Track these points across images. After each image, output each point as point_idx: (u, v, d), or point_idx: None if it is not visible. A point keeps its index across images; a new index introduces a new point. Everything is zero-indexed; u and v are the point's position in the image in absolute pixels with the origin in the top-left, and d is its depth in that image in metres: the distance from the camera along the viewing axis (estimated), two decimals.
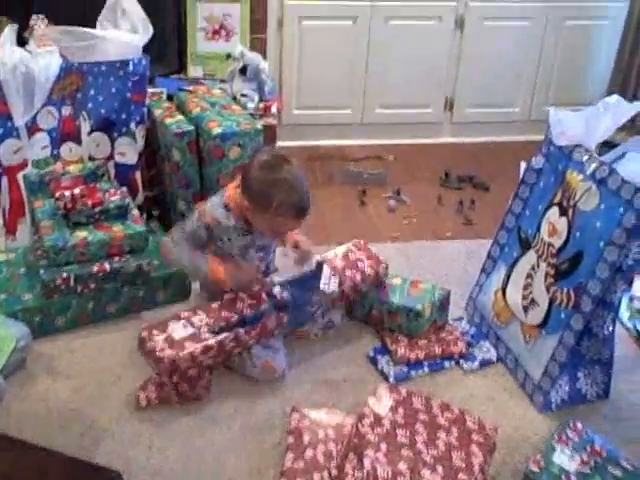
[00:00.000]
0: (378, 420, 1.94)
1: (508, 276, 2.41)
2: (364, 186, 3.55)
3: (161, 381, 2.12)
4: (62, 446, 1.94)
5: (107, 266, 2.46)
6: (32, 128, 2.74)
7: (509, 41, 3.96)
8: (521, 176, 2.49)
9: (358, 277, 2.37)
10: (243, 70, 3.30)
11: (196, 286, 2.65)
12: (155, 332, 2.10)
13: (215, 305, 2.16)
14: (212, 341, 2.06)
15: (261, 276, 2.25)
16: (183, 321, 2.10)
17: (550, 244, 2.24)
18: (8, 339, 2.06)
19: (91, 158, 2.84)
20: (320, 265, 2.33)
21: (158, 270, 2.58)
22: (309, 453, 1.95)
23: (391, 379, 2.27)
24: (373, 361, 2.36)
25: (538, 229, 2.31)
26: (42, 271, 2.42)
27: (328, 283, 2.32)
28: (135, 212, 2.64)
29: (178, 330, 2.08)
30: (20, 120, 2.69)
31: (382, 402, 2.00)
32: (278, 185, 2.02)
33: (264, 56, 3.51)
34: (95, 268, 2.44)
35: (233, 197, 2.17)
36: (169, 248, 2.22)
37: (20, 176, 2.75)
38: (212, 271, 2.16)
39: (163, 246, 2.26)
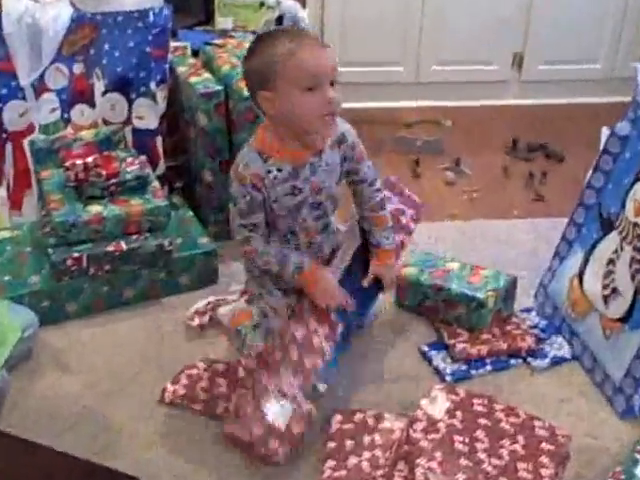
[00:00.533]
0: (432, 425, 1.94)
1: (586, 261, 2.39)
2: (418, 155, 3.54)
3: (196, 379, 2.17)
4: (72, 447, 1.97)
5: (124, 245, 2.49)
6: (39, 88, 2.78)
7: None
8: (602, 144, 2.46)
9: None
10: (279, 20, 3.30)
11: (225, 269, 2.69)
12: (248, 423, 1.95)
13: (293, 353, 2.04)
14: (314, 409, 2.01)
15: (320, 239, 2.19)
16: (273, 394, 1.97)
17: (637, 224, 2.21)
18: (13, 328, 2.10)
19: (106, 122, 2.86)
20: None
21: (181, 250, 2.61)
22: (352, 461, 1.96)
23: (448, 378, 2.27)
24: (427, 357, 2.36)
25: (622, 207, 2.28)
26: (51, 250, 2.46)
27: None
28: (156, 184, 2.66)
29: (276, 412, 1.95)
30: (26, 79, 2.73)
31: (437, 404, 2.00)
32: (274, 41, 1.92)
33: (303, 4, 3.52)
34: (110, 247, 2.47)
35: (263, 139, 2.04)
36: (246, 254, 2.15)
37: (26, 142, 2.79)
38: (308, 278, 2.12)
39: (248, 250, 2.14)
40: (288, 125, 1.98)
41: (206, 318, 2.46)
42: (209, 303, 2.51)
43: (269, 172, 2.01)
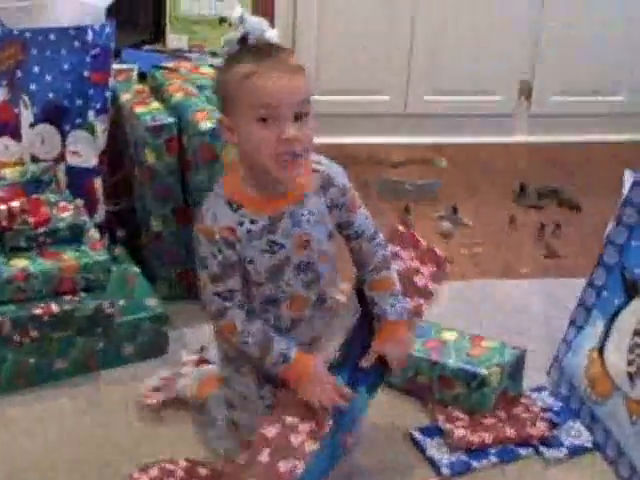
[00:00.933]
0: None
1: (607, 332, 2.42)
2: (407, 201, 3.59)
3: (167, 474, 2.17)
4: None
5: (55, 308, 2.50)
6: None
7: (612, 1, 4.00)
8: (625, 192, 2.50)
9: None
10: (243, 40, 3.34)
11: (176, 337, 2.70)
12: None
13: (264, 456, 1.97)
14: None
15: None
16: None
17: None
18: None
19: (35, 159, 2.90)
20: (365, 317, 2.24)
21: (124, 314, 2.62)
22: None
23: (445, 470, 2.28)
24: (419, 445, 2.37)
25: None
26: None
27: None
28: (93, 234, 2.68)
29: None
30: None
31: None
32: (240, 57, 1.96)
33: (271, 22, 3.57)
34: (38, 310, 2.48)
35: (233, 184, 2.02)
36: (223, 330, 2.10)
37: None
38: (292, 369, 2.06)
39: (224, 325, 2.09)
40: (251, 162, 1.97)
41: (164, 394, 2.45)
42: (162, 379, 2.50)
43: (241, 224, 1.98)
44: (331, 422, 2.02)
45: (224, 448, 2.24)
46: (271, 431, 1.99)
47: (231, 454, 2.16)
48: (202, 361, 2.54)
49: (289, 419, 2.03)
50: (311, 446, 1.98)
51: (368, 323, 2.17)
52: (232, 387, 2.18)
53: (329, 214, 2.06)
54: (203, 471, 2.20)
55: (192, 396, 2.42)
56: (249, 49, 1.99)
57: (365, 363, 2.13)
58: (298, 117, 1.88)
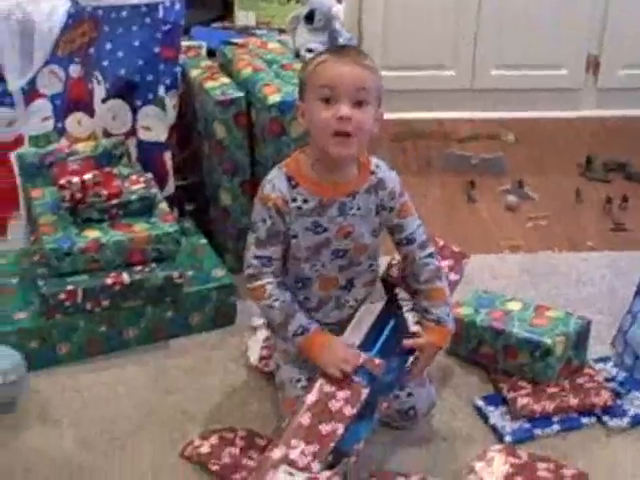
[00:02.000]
0: None
1: None
2: (473, 175, 3.58)
3: (227, 443, 2.21)
4: None
5: (126, 277, 2.54)
6: (30, 93, 2.85)
7: None
8: None
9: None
10: (309, 17, 3.35)
11: (243, 307, 2.73)
12: None
13: (305, 419, 2.04)
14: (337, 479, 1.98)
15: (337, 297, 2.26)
16: (283, 468, 1.97)
17: None
18: None
19: (107, 134, 2.93)
20: (393, 294, 2.33)
21: (193, 284, 2.66)
22: None
23: (507, 438, 2.29)
24: (482, 414, 2.38)
25: None
26: (41, 282, 2.51)
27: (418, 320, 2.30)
28: (164, 206, 2.72)
29: None
30: (15, 83, 2.79)
31: (494, 468, 2.02)
32: (321, 54, 2.12)
33: None
34: (110, 280, 2.52)
35: (296, 163, 2.16)
36: (254, 292, 2.20)
37: (13, 156, 2.86)
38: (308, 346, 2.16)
39: (256, 288, 2.20)
40: (314, 143, 2.11)
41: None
42: (267, 339, 2.54)
43: (294, 200, 2.12)
44: (367, 389, 2.07)
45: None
46: (311, 398, 2.05)
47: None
48: None
49: (327, 387, 2.08)
50: (349, 410, 2.03)
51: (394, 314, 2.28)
52: (276, 348, 2.32)
53: (376, 214, 2.20)
54: (261, 442, 2.22)
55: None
56: (332, 49, 2.20)
57: (406, 342, 2.21)
58: (357, 103, 2.03)
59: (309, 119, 2.08)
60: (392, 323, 2.27)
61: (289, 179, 2.13)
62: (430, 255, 2.25)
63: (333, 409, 2.04)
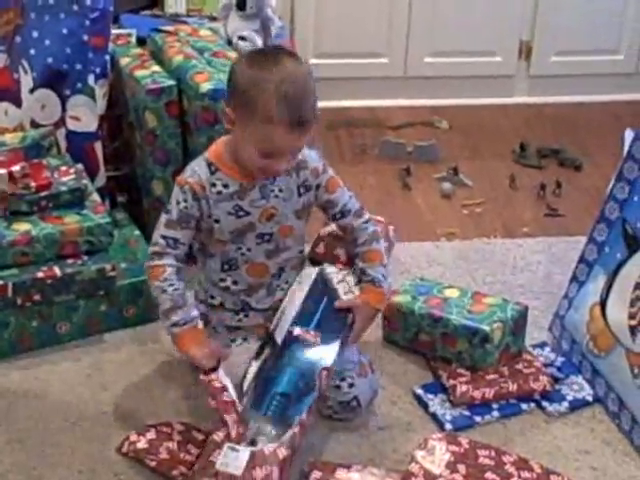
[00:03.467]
0: None
1: (609, 286, 2.42)
2: (408, 163, 3.59)
3: (165, 438, 2.18)
4: None
5: (57, 271, 2.50)
6: None
7: None
8: (626, 149, 2.50)
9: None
10: (241, 4, 3.33)
11: None
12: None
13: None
14: (284, 450, 1.98)
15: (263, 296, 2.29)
16: (227, 445, 1.96)
17: None
18: None
19: (35, 124, 2.88)
20: (321, 270, 2.35)
21: (127, 276, 2.63)
22: None
23: (447, 426, 2.30)
24: (422, 402, 2.39)
25: None
26: None
27: (349, 290, 2.33)
28: (95, 197, 2.69)
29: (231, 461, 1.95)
30: None
31: (435, 456, 2.01)
32: (268, 81, 2.01)
33: None
34: (41, 274, 2.48)
35: (218, 150, 2.20)
36: (152, 270, 2.20)
37: None
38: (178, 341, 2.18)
39: (154, 267, 2.21)
40: (236, 152, 2.14)
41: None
42: None
43: (214, 185, 2.16)
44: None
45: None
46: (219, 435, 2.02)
47: None
48: None
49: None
50: None
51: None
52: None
53: (299, 195, 2.23)
54: (199, 436, 2.21)
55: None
56: (278, 76, 2.02)
57: (338, 304, 2.26)
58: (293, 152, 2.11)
59: (238, 143, 2.11)
60: (325, 299, 2.28)
61: (209, 165, 2.17)
62: (367, 221, 2.31)
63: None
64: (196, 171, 2.16)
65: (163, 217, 2.19)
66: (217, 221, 2.17)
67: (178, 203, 2.16)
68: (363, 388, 2.30)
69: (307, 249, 2.40)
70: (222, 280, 2.26)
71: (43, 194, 2.58)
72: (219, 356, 2.13)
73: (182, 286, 2.18)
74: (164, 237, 2.18)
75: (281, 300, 2.29)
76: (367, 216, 2.32)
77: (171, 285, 2.16)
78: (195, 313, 2.18)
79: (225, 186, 2.16)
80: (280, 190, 2.19)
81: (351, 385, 2.26)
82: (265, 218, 2.19)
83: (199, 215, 2.17)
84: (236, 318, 2.31)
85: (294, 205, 2.22)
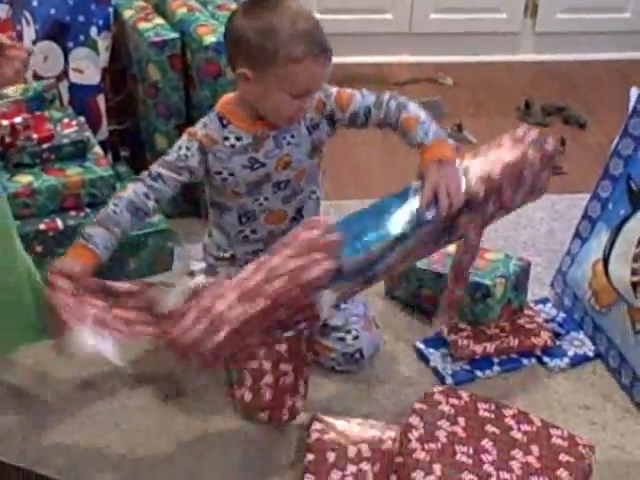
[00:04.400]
0: (430, 433, 1.97)
1: (612, 242, 2.42)
2: None
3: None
4: None
5: (60, 223, 2.51)
6: None
7: None
8: (632, 106, 2.49)
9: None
10: None
11: (181, 253, 2.73)
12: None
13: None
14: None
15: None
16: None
17: None
18: None
19: (37, 76, 2.87)
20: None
21: None
22: (335, 476, 1.98)
23: (448, 380, 2.31)
24: (423, 356, 2.40)
25: None
26: None
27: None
28: (97, 150, 2.68)
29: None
30: None
31: (436, 409, 2.03)
32: (277, 21, 1.99)
33: None
34: (43, 225, 2.49)
35: (228, 103, 2.16)
36: (126, 188, 2.12)
37: None
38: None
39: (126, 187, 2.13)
40: (254, 104, 2.10)
41: None
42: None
43: (226, 139, 2.12)
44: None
45: None
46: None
47: None
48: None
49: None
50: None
51: None
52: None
53: (309, 134, 2.18)
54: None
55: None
56: (286, 16, 2.00)
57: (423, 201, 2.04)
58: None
59: (263, 97, 2.06)
60: None
61: (220, 118, 2.13)
62: (388, 102, 2.16)
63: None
64: (207, 124, 2.14)
65: (161, 159, 2.14)
66: (232, 174, 2.14)
67: (180, 149, 2.12)
68: (367, 341, 2.31)
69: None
70: (240, 232, 2.24)
71: (45, 146, 2.57)
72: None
73: (123, 217, 2.05)
74: (150, 170, 2.11)
75: None
76: (386, 96, 2.17)
77: (115, 205, 2.05)
78: (102, 245, 2.02)
79: (238, 139, 2.12)
80: (292, 136, 2.15)
81: (355, 337, 2.28)
82: (281, 167, 2.16)
83: (198, 169, 2.13)
84: None
85: (306, 146, 2.18)
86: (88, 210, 2.55)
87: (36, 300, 2.08)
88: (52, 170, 2.56)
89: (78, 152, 2.62)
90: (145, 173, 2.12)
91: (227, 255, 2.29)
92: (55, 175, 2.54)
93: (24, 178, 2.51)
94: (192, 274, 2.55)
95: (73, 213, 2.54)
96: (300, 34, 1.98)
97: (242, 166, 2.14)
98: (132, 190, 2.08)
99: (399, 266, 2.10)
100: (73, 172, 2.56)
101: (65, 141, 2.60)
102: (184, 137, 2.15)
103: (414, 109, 2.16)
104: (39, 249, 2.49)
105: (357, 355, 2.30)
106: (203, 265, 2.50)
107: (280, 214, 2.23)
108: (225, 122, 2.13)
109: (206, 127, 2.13)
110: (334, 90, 2.19)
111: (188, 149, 2.12)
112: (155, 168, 2.12)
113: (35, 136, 2.56)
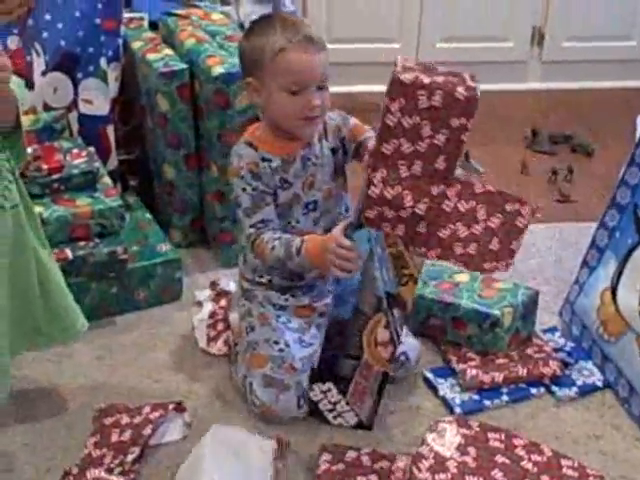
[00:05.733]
0: (441, 463, 1.96)
1: (620, 271, 2.42)
2: None
3: None
4: None
5: (69, 253, 2.51)
6: None
7: None
8: (638, 135, 2.50)
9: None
10: None
11: (189, 283, 2.72)
12: None
13: None
14: None
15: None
16: None
17: None
18: None
19: (47, 107, 2.89)
20: None
21: (138, 259, 2.64)
22: None
23: (457, 410, 2.30)
24: (432, 385, 2.40)
25: None
26: None
27: None
28: (107, 180, 2.69)
29: None
30: None
31: (446, 439, 2.02)
32: (269, 30, 2.11)
33: None
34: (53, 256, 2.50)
35: (252, 131, 2.25)
36: (257, 249, 2.20)
37: None
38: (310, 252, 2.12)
39: (257, 246, 2.21)
40: (273, 119, 2.18)
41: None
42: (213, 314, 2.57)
43: (263, 160, 2.19)
44: None
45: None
46: None
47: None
48: (219, 294, 2.62)
49: None
50: None
51: None
52: (251, 314, 2.31)
53: (333, 156, 2.28)
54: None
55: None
56: (275, 21, 2.14)
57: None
58: (320, 87, 2.12)
59: (272, 102, 2.14)
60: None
61: (249, 145, 2.21)
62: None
63: None
64: (242, 155, 2.20)
65: (240, 212, 2.21)
66: (274, 194, 2.22)
67: (244, 190, 2.18)
68: (410, 345, 2.35)
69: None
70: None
71: (55, 177, 2.59)
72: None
73: (279, 232, 2.18)
74: (251, 226, 2.19)
75: None
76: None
77: (275, 239, 2.15)
78: (301, 238, 2.14)
79: (268, 160, 2.19)
80: (317, 157, 2.24)
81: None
82: (307, 187, 2.24)
83: (268, 189, 2.19)
84: (283, 297, 2.32)
85: (329, 168, 2.27)
86: (97, 240, 2.56)
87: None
88: (62, 200, 2.57)
89: (88, 183, 2.63)
90: (251, 231, 2.18)
91: (264, 280, 2.32)
92: (65, 206, 2.55)
93: (34, 209, 2.52)
94: (200, 304, 2.58)
95: (82, 243, 2.54)
96: (283, 28, 2.09)
97: (275, 186, 2.21)
98: (267, 234, 2.17)
99: None
100: (83, 202, 2.57)
101: (75, 172, 2.62)
102: (234, 180, 2.20)
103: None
104: None
105: (402, 357, 2.32)
106: (208, 293, 2.54)
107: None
108: (254, 147, 2.20)
109: (242, 157, 2.19)
110: (352, 121, 2.30)
111: (249, 184, 2.18)
112: (251, 220, 2.19)
113: (45, 167, 2.58)
